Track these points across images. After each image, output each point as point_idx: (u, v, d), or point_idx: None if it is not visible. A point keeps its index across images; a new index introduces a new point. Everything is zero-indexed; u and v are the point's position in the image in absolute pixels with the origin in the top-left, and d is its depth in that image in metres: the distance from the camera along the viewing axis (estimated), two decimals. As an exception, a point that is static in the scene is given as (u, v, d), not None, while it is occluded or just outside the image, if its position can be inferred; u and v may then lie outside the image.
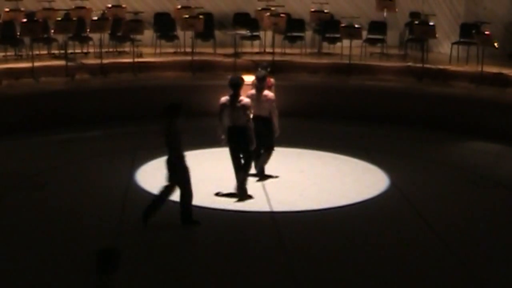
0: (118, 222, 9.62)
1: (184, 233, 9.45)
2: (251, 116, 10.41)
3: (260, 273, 8.37)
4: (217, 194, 10.61)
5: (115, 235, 9.17)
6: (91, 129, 14.13)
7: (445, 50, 17.62)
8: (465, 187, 11.48)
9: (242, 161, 10.44)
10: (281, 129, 11.17)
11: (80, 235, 9.22)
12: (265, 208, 10.22)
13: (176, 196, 9.45)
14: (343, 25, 16.85)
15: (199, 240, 9.45)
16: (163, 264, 8.41)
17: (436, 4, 18.34)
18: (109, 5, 17.74)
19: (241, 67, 15.72)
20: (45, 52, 16.66)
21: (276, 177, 11.37)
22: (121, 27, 16.44)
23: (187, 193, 9.39)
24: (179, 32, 17.30)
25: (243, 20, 18.01)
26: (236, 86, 10.33)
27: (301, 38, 17.69)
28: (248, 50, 17.83)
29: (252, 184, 10.82)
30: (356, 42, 16.73)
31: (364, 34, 17.37)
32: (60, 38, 16.25)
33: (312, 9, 18.10)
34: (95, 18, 16.61)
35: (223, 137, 10.41)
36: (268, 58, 16.26)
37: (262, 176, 11.28)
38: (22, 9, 16.87)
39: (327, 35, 17.66)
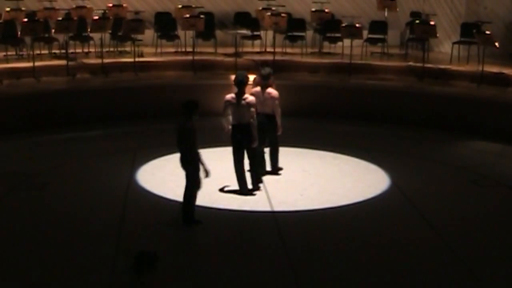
0: (118, 222, 9.62)
1: (184, 233, 9.45)
2: (256, 113, 10.52)
3: (260, 273, 8.36)
4: (222, 190, 10.66)
5: (115, 235, 9.18)
6: (92, 129, 14.13)
7: (446, 50, 17.62)
8: (465, 186, 11.47)
9: (247, 159, 10.60)
10: (283, 128, 11.23)
11: (80, 235, 9.22)
12: (266, 208, 10.22)
13: (176, 196, 9.45)
14: (344, 24, 16.83)
15: (200, 239, 9.44)
16: (163, 264, 8.39)
17: (437, 4, 18.34)
18: (110, 5, 17.76)
19: (241, 67, 15.70)
20: (46, 51, 16.69)
21: (279, 174, 11.49)
22: (122, 27, 16.43)
23: (191, 192, 9.41)
24: (180, 32, 17.31)
25: (244, 19, 18.01)
26: (241, 84, 10.44)
27: (301, 37, 17.69)
28: (249, 49, 17.83)
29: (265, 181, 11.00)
30: (357, 42, 16.72)
31: (365, 33, 17.36)
32: (61, 37, 16.25)
33: (313, 9, 18.11)
34: (96, 17, 16.61)
35: (230, 127, 10.48)
36: (269, 57, 16.27)
37: (277, 169, 11.55)
38: (23, 8, 16.89)
39: (328, 34, 17.66)
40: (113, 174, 11.55)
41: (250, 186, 10.68)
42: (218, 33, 17.76)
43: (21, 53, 16.56)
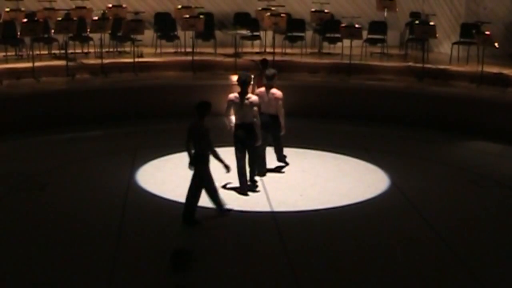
0: (118, 222, 9.62)
1: (184, 233, 9.45)
2: (259, 112, 10.66)
3: (261, 273, 8.36)
4: (224, 187, 10.70)
5: (115, 235, 9.18)
6: (91, 129, 14.12)
7: (445, 50, 17.62)
8: (465, 186, 11.48)
9: (248, 157, 10.72)
10: (286, 128, 11.35)
11: (80, 235, 9.22)
12: (266, 208, 10.23)
13: (176, 196, 9.44)
14: (343, 25, 16.84)
15: (200, 239, 9.44)
16: (163, 263, 8.39)
17: (437, 4, 18.34)
18: (110, 5, 17.75)
19: (241, 67, 15.71)
20: (45, 52, 16.67)
21: (281, 172, 11.57)
22: (122, 27, 16.43)
23: (195, 193, 9.44)
24: (180, 32, 17.31)
25: (243, 20, 18.01)
26: (245, 83, 10.57)
27: (301, 38, 17.70)
28: (249, 50, 17.83)
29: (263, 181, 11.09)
30: (357, 42, 16.73)
31: (365, 34, 17.37)
32: (61, 38, 16.24)
33: (313, 9, 18.11)
34: (96, 18, 16.60)
35: (232, 124, 10.67)
36: (269, 58, 16.26)
37: (284, 163, 11.79)
38: (23, 9, 16.88)
39: (328, 35, 17.67)
40: (113, 174, 11.55)
41: (248, 182, 10.79)
42: (218, 33, 17.76)
43: (20, 53, 16.56)
